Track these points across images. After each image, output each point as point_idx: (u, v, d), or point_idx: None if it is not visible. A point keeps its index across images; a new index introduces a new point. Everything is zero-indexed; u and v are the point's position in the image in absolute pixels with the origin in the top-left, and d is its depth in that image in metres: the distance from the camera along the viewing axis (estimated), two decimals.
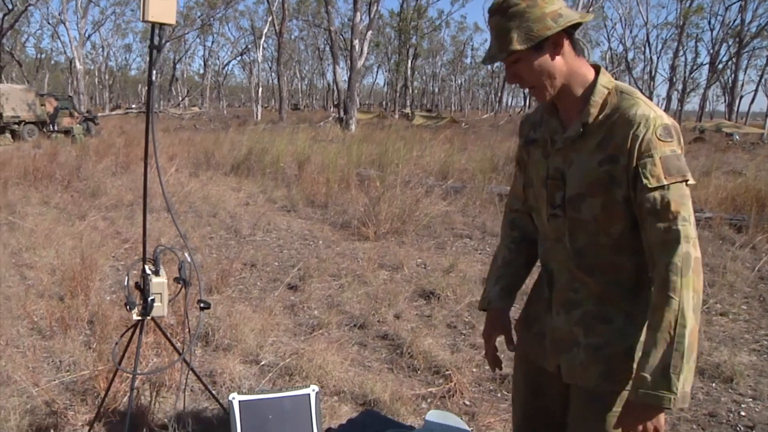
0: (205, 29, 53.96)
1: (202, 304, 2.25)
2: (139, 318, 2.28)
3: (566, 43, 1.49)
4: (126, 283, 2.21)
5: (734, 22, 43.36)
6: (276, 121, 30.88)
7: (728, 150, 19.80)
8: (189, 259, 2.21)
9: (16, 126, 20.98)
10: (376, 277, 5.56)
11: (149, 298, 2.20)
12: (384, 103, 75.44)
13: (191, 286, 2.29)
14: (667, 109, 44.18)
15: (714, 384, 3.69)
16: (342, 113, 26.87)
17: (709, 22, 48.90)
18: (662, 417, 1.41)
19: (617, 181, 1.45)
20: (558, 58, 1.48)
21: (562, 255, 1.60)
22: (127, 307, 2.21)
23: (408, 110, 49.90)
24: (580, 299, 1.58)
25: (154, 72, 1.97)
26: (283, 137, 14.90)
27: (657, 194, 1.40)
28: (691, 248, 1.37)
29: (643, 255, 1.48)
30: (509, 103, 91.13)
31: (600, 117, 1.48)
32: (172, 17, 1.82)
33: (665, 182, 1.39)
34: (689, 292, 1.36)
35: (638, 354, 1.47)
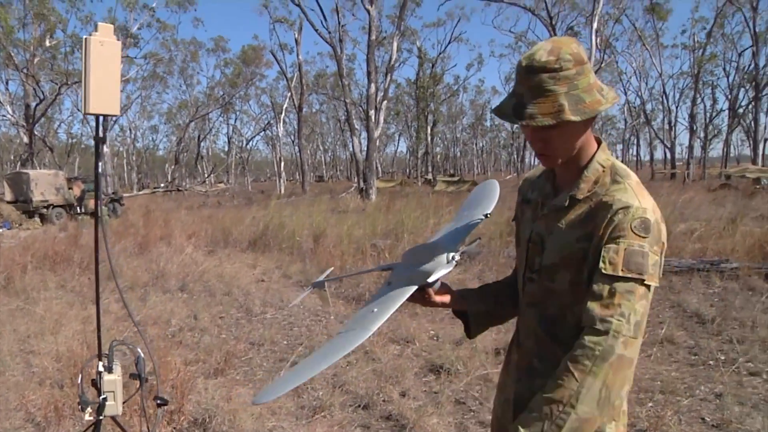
0: (227, 107, 55.48)
1: (158, 401, 2.15)
2: (91, 419, 2.18)
3: None
4: (80, 381, 2.12)
5: (749, 66, 43.13)
6: (299, 193, 31.27)
7: (755, 194, 19.38)
8: (141, 354, 2.12)
9: (45, 210, 21.55)
10: (386, 352, 5.39)
11: (101, 397, 2.11)
12: (407, 170, 76.21)
13: (148, 383, 2.18)
14: (690, 158, 43.78)
15: None
16: (362, 183, 27.11)
17: (724, 69, 49.00)
18: None
19: (588, 260, 1.40)
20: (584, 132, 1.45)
21: (533, 320, 1.57)
22: (80, 407, 2.11)
23: (430, 176, 50.20)
24: (544, 369, 1.50)
25: (101, 164, 1.93)
26: (302, 210, 14.98)
27: (607, 282, 1.33)
28: (618, 344, 1.29)
29: None
30: (532, 163, 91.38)
31: (588, 194, 1.46)
32: (116, 108, 1.79)
33: (619, 274, 1.32)
34: (596, 382, 1.29)
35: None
